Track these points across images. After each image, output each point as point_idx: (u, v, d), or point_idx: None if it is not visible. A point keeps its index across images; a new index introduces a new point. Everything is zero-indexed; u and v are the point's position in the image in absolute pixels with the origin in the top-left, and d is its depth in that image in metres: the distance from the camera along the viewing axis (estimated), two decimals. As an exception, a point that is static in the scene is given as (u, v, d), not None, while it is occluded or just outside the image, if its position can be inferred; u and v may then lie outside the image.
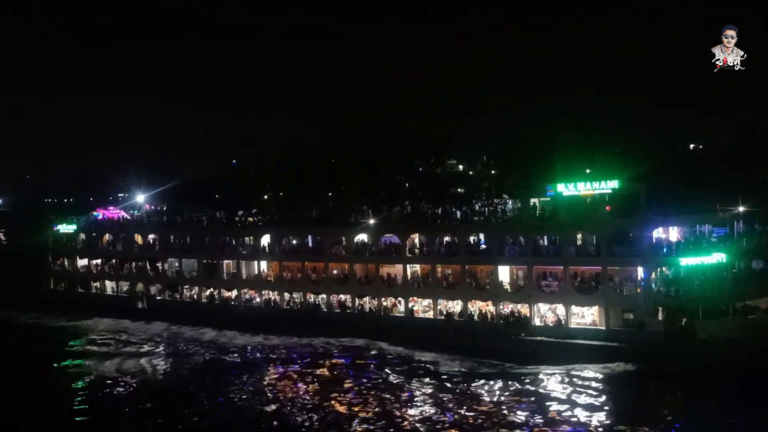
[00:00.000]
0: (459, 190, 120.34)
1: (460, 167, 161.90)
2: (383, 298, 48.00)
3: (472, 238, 45.83)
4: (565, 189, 40.96)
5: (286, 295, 52.53)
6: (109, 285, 63.28)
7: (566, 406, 32.62)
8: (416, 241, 48.38)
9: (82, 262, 65.51)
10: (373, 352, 43.71)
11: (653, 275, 39.44)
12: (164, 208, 67.75)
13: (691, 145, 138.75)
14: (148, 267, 60.22)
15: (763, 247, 41.20)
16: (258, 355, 45.21)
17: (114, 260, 62.80)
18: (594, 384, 35.59)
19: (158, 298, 59.35)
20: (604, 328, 39.94)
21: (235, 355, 45.50)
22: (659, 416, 31.31)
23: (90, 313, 59.31)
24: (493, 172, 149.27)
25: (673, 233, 42.07)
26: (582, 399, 33.67)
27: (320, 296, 51.16)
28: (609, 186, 39.58)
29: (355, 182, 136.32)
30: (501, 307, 43.52)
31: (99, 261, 63.91)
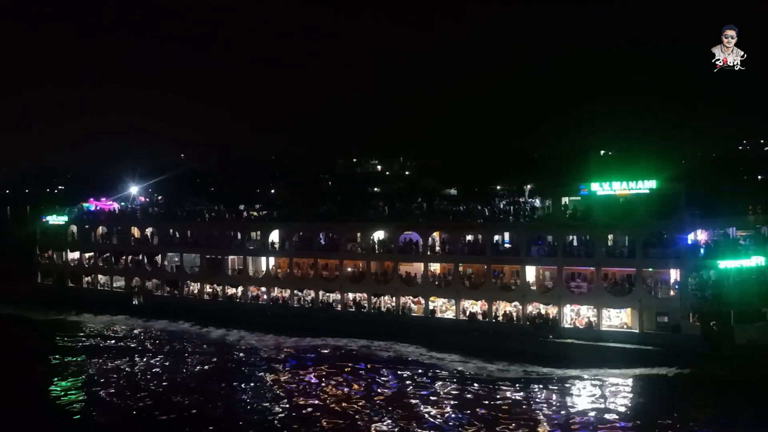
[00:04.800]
0: (375, 189, 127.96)
1: (379, 167, 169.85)
2: (401, 297, 46.36)
3: (496, 237, 44.50)
4: (600, 188, 39.86)
5: (297, 293, 50.53)
6: (103, 280, 60.36)
7: (597, 412, 31.41)
8: (436, 238, 46.86)
9: (72, 256, 62.38)
10: (391, 354, 42.02)
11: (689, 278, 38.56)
12: (159, 199, 65.06)
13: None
14: (146, 261, 57.50)
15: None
16: (268, 355, 43.18)
17: (108, 254, 59.86)
18: (627, 388, 34.62)
19: (156, 294, 56.72)
20: (637, 330, 39.02)
21: (244, 355, 43.46)
22: (691, 427, 30.06)
23: (82, 309, 56.50)
24: (407, 173, 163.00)
25: (701, 235, 41.32)
26: (615, 404, 32.60)
27: (333, 294, 49.29)
28: (646, 186, 38.58)
29: (286, 180, 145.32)
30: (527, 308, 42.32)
31: (91, 254, 60.88)
